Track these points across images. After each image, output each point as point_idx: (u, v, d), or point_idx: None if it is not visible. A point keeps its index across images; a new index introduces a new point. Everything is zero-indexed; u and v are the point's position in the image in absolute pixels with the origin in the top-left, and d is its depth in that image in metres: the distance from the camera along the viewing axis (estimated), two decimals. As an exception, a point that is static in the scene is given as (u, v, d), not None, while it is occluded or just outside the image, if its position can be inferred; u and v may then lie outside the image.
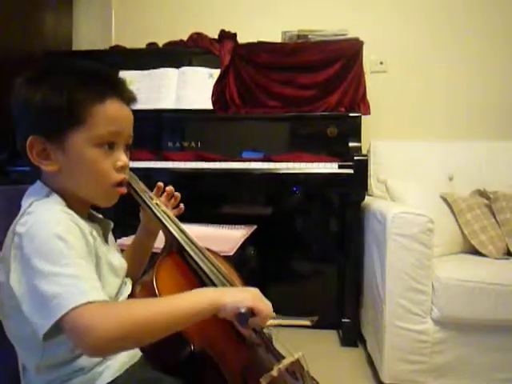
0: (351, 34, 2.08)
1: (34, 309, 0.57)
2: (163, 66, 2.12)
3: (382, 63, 2.36)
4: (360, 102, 1.90)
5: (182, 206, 0.92)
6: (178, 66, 2.12)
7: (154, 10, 2.50)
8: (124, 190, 0.73)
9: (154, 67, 2.12)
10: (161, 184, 0.89)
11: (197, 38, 2.19)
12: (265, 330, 0.82)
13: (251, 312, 0.65)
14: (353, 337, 1.79)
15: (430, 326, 1.39)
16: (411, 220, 1.36)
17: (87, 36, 2.53)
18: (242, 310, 0.63)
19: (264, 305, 0.67)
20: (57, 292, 0.56)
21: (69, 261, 0.58)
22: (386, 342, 1.40)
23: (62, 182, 0.68)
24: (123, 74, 1.95)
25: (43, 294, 0.56)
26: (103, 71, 0.72)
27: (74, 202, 0.69)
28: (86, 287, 0.57)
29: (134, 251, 0.90)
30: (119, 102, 0.69)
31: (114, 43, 2.43)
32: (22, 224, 0.61)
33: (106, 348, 0.57)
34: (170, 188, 0.90)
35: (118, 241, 0.89)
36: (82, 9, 2.56)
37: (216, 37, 2.14)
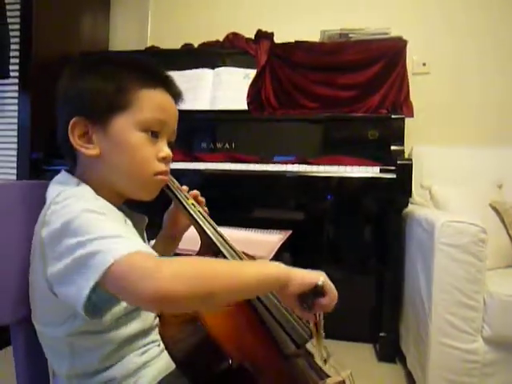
0: (394, 33, 1.99)
1: (71, 279, 0.51)
2: (198, 67, 2.10)
3: (424, 64, 2.24)
4: (403, 104, 1.80)
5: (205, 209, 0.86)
6: (213, 67, 2.09)
7: (190, 10, 2.49)
8: (165, 178, 0.70)
9: (190, 68, 2.10)
10: (185, 187, 0.83)
11: (233, 39, 2.15)
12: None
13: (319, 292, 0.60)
14: (391, 352, 1.69)
15: (481, 345, 1.27)
16: (462, 229, 1.25)
17: (123, 37, 2.55)
18: (319, 282, 0.59)
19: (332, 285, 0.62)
20: (98, 249, 0.49)
21: (106, 225, 0.53)
22: (430, 361, 1.29)
23: (100, 170, 0.65)
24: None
25: (82, 258, 0.50)
26: (154, 65, 0.71)
27: (108, 195, 0.64)
28: (130, 242, 0.52)
29: (165, 238, 0.85)
30: (167, 94, 0.68)
31: (149, 44, 2.44)
32: (52, 213, 0.57)
33: (169, 294, 0.48)
34: (194, 192, 0.84)
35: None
36: (119, 11, 2.58)
37: (252, 37, 2.10)
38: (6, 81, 1.92)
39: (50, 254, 0.55)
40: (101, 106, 0.63)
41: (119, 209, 0.69)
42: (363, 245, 1.86)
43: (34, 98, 1.92)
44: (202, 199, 0.85)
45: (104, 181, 0.65)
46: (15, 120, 1.95)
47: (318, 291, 0.59)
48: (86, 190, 0.62)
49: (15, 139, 1.95)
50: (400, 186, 1.57)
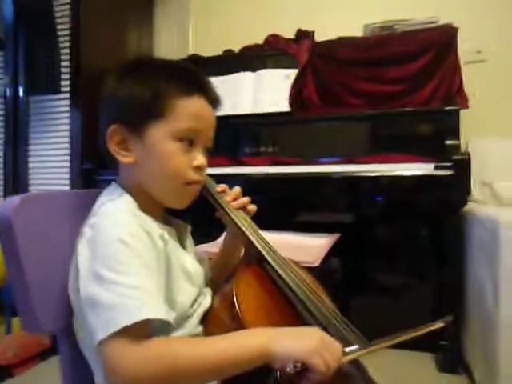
0: (442, 22, 1.87)
1: (90, 317, 0.54)
2: (239, 71, 2.09)
3: (479, 52, 2.09)
4: (456, 95, 1.68)
5: (250, 207, 0.80)
6: (253, 70, 2.07)
7: (229, 17, 2.50)
8: (197, 187, 0.69)
9: (231, 73, 2.10)
10: (222, 187, 0.80)
11: (272, 40, 2.13)
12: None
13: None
14: (453, 362, 1.56)
15: (559, 358, 1.14)
16: (531, 228, 1.14)
17: (167, 47, 2.61)
18: (288, 369, 0.53)
19: (321, 360, 0.54)
20: (110, 304, 0.51)
21: (129, 269, 0.54)
22: (502, 375, 1.18)
23: (136, 177, 0.66)
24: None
25: (97, 302, 0.52)
26: (191, 69, 0.70)
27: (147, 202, 0.66)
28: (144, 300, 0.52)
29: (223, 257, 0.84)
30: (204, 100, 0.67)
31: (191, 52, 2.47)
32: (90, 226, 0.59)
33: None
34: (234, 192, 0.79)
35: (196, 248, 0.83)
36: (162, 23, 2.65)
37: (293, 37, 2.06)
38: (58, 95, 2.02)
39: (80, 265, 0.57)
40: (137, 113, 0.64)
41: (160, 217, 0.68)
42: (418, 248, 1.74)
43: (84, 111, 2.00)
44: (244, 200, 0.79)
45: (141, 188, 0.66)
46: (67, 133, 2.04)
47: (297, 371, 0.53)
48: (127, 203, 0.63)
49: (68, 151, 2.04)
50: (457, 183, 1.45)
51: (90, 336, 0.54)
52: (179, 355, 0.53)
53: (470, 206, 1.54)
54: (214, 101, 0.70)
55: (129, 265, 0.54)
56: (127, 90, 0.64)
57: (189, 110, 0.65)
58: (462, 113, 1.69)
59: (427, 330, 0.65)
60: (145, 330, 0.53)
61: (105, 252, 0.55)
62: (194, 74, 0.69)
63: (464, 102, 1.69)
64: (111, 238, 0.55)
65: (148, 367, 0.51)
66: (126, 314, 0.51)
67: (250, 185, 1.75)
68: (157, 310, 0.53)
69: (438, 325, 0.65)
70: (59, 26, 2.02)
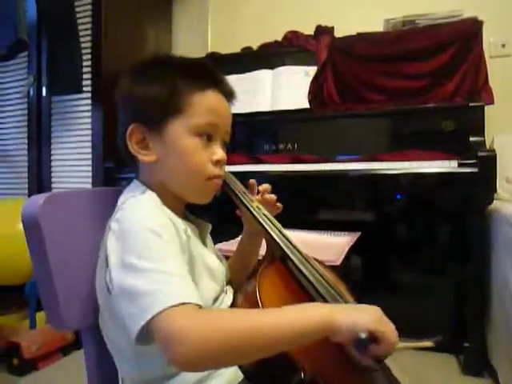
0: (466, 15, 1.82)
1: (125, 308, 0.53)
2: (258, 69, 2.08)
3: (504, 46, 2.03)
4: (481, 90, 1.63)
5: (279, 205, 0.83)
6: (272, 67, 2.06)
7: (248, 14, 2.49)
8: (219, 182, 0.69)
9: (250, 70, 2.09)
10: (253, 181, 0.82)
11: (291, 37, 2.11)
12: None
13: (372, 338, 0.52)
14: (477, 364, 1.52)
15: None
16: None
17: (186, 46, 2.62)
18: (362, 336, 0.51)
19: (389, 329, 0.54)
20: (148, 289, 0.50)
21: (162, 255, 0.54)
22: (528, 377, 1.15)
23: (158, 175, 0.66)
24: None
25: (133, 291, 0.51)
26: (205, 65, 0.71)
27: (170, 199, 0.66)
28: (179, 286, 0.52)
29: (239, 256, 0.85)
30: (219, 94, 0.68)
31: (210, 50, 2.47)
32: (116, 220, 0.59)
33: (199, 362, 0.49)
34: (264, 186, 0.81)
35: (216, 246, 0.83)
36: (181, 21, 2.66)
37: (312, 34, 2.04)
38: (79, 95, 2.05)
39: (111, 260, 0.56)
40: (155, 112, 0.64)
41: (182, 214, 0.68)
42: (441, 246, 1.71)
43: (105, 111, 2.03)
44: (272, 197, 0.82)
45: (163, 185, 0.66)
46: (89, 132, 2.07)
47: (364, 342, 0.52)
48: (150, 198, 0.64)
49: (89, 150, 2.07)
50: (483, 180, 1.41)
51: (123, 328, 0.53)
52: (249, 329, 0.50)
53: (495, 204, 1.49)
54: (229, 94, 0.71)
55: (161, 252, 0.54)
56: (143, 90, 0.65)
57: (205, 103, 0.65)
58: (488, 108, 1.65)
59: (415, 345, 0.64)
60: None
61: (135, 242, 0.54)
62: (207, 69, 0.70)
63: (489, 97, 1.64)
64: (141, 229, 0.55)
65: (212, 341, 0.48)
66: (162, 299, 0.49)
67: (269, 183, 1.70)
68: (192, 296, 0.52)
69: (428, 343, 0.65)
70: (81, 27, 2.05)
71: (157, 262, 0.53)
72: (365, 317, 0.53)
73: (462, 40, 1.71)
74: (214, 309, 0.58)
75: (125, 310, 0.52)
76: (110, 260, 0.56)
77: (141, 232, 0.55)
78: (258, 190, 0.83)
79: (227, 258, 0.86)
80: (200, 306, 0.52)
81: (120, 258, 0.54)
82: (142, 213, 0.59)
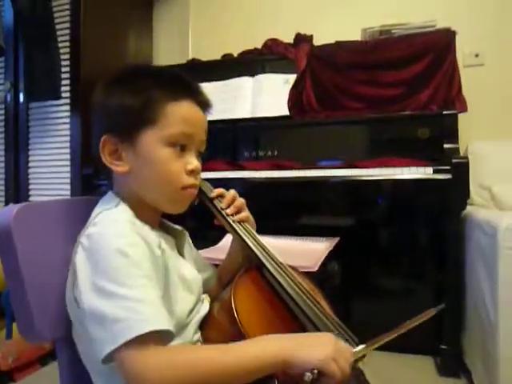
0: (440, 25, 1.88)
1: (93, 330, 0.53)
2: (238, 76, 2.09)
3: (477, 55, 2.10)
4: (455, 99, 1.68)
5: (244, 214, 0.79)
6: (252, 75, 2.08)
7: (228, 22, 2.51)
8: (194, 191, 0.69)
9: (230, 77, 2.10)
10: (220, 190, 0.79)
11: (271, 45, 2.13)
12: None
13: (321, 373, 0.54)
14: (453, 366, 1.55)
15: (559, 361, 1.14)
16: (530, 232, 1.14)
17: (166, 52, 2.62)
18: (306, 378, 0.53)
19: (336, 366, 0.54)
20: (117, 317, 0.51)
21: (132, 281, 0.53)
22: (500, 377, 1.18)
23: (131, 185, 0.66)
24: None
25: (103, 315, 0.52)
26: (179, 75, 0.70)
27: (144, 210, 0.66)
28: (148, 313, 0.52)
29: (227, 263, 0.85)
30: (193, 104, 0.68)
31: (190, 57, 2.48)
32: (87, 236, 0.58)
33: None
34: (230, 194, 0.78)
35: (202, 253, 0.83)
36: (161, 27, 2.66)
37: (292, 41, 2.07)
38: (58, 101, 2.03)
39: (79, 277, 0.56)
40: (128, 122, 0.64)
41: (158, 225, 0.68)
42: (418, 251, 1.74)
43: (83, 116, 2.01)
44: (241, 201, 0.79)
45: (137, 196, 0.66)
46: (67, 138, 2.05)
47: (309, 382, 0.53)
48: (124, 212, 0.63)
49: (68, 156, 2.05)
50: (456, 186, 1.45)
51: (92, 348, 0.53)
52: (200, 361, 0.53)
53: (469, 210, 1.54)
54: (203, 104, 0.70)
55: (130, 276, 0.54)
56: (116, 100, 0.65)
57: (179, 114, 0.65)
58: (461, 116, 1.70)
59: (422, 319, 0.67)
60: (155, 341, 0.53)
61: (106, 264, 0.54)
62: (182, 79, 0.70)
63: (463, 106, 1.69)
64: (111, 250, 0.55)
65: (171, 371, 0.50)
66: (133, 327, 0.50)
67: (249, 189, 1.75)
68: (162, 322, 0.53)
69: (432, 313, 0.68)
70: (59, 33, 2.03)
71: (126, 287, 0.53)
72: (314, 354, 0.55)
73: (436, 50, 1.76)
74: (178, 347, 0.58)
75: (93, 332, 0.53)
76: (79, 277, 0.56)
77: (111, 254, 0.55)
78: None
79: (217, 266, 0.86)
80: (170, 331, 0.53)
81: (90, 280, 0.54)
82: (112, 230, 0.58)
